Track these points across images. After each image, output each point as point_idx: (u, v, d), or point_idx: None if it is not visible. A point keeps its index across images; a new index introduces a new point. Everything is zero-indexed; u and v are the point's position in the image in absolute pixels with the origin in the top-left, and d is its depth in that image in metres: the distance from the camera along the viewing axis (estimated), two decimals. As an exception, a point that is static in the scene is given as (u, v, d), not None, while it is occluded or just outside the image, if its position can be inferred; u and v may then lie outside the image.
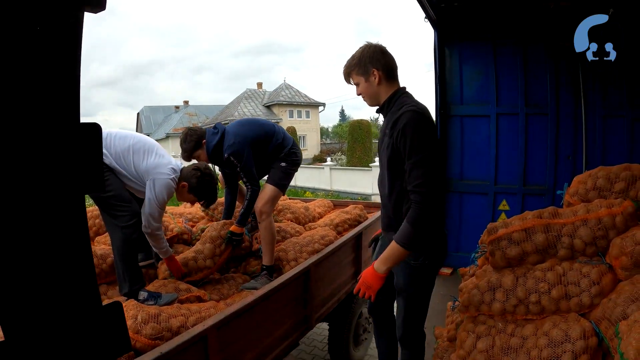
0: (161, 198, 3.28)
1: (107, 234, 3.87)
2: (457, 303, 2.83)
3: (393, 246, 2.38)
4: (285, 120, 40.20)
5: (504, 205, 5.05)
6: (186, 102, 53.24)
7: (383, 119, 2.64)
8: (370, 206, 5.86)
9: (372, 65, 2.52)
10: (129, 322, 2.47)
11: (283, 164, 3.90)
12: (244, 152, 3.70)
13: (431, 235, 2.47)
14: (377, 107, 2.64)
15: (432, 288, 2.66)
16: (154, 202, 3.25)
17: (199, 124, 45.51)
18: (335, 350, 4.35)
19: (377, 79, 2.53)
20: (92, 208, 4.10)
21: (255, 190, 3.83)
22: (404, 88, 2.60)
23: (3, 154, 0.74)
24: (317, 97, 43.35)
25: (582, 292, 2.40)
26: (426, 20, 4.64)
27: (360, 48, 2.59)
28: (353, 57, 2.59)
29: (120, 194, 3.20)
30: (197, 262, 3.65)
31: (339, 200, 6.50)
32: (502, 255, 2.63)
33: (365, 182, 20.36)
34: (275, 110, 41.51)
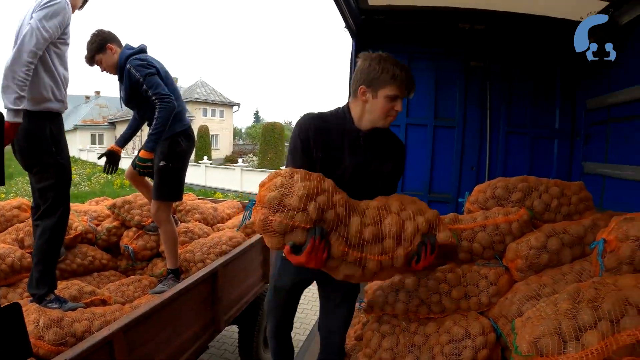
0: None
1: (6, 231, 3.67)
2: (362, 304, 2.91)
3: None
4: (199, 118, 39.53)
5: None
6: (97, 93, 50.99)
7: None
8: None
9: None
10: (30, 327, 2.36)
11: (162, 163, 3.58)
12: (152, 67, 3.45)
13: None
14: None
15: None
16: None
17: (110, 117, 43.86)
18: (245, 353, 4.35)
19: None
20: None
21: (166, 103, 3.39)
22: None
23: None
24: (232, 97, 42.82)
25: (481, 292, 2.55)
26: (345, 29, 4.73)
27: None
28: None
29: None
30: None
31: (247, 202, 6.48)
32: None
33: (276, 183, 20.39)
34: (189, 107, 40.60)
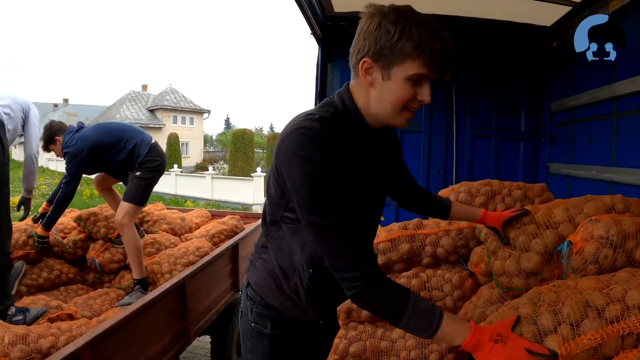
0: None
1: None
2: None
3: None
4: (169, 125, 39.19)
5: (378, 217, 5.28)
6: (66, 100, 50.37)
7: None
8: (248, 217, 5.87)
9: None
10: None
11: (138, 173, 3.81)
12: (76, 157, 3.69)
13: None
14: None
15: None
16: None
17: (79, 125, 43.10)
18: (218, 363, 4.33)
19: None
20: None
21: (66, 193, 3.73)
22: None
23: None
24: (202, 104, 42.57)
25: (446, 296, 2.60)
26: (311, 36, 4.75)
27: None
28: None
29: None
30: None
31: (216, 210, 6.46)
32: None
33: (246, 191, 20.38)
34: (159, 114, 40.26)
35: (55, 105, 50.67)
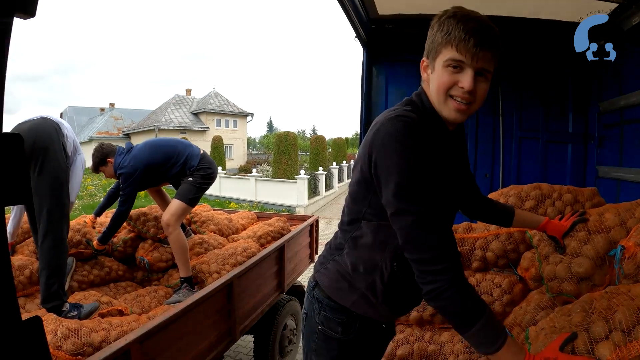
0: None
1: (24, 242, 3.75)
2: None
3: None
4: (213, 129, 39.74)
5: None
6: (112, 105, 51.57)
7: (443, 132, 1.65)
8: (294, 218, 5.89)
9: None
10: (48, 338, 2.40)
11: (190, 179, 3.92)
12: (132, 177, 3.83)
13: None
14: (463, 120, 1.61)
15: None
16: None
17: (124, 128, 44.24)
18: (261, 362, 4.35)
19: None
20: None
21: (122, 211, 3.90)
22: None
23: None
24: (245, 107, 43.17)
25: (495, 301, 2.55)
26: (356, 39, 4.75)
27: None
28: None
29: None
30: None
31: (262, 212, 6.51)
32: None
33: (290, 193, 20.42)
34: (203, 118, 40.91)
35: (102, 110, 52.01)
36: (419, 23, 4.59)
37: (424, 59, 1.60)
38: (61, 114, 53.24)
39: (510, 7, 3.88)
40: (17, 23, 0.85)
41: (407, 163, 1.40)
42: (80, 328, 2.53)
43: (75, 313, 2.99)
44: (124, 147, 4.02)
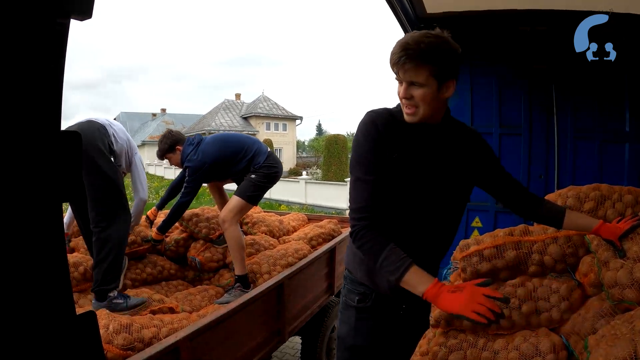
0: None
1: (80, 238, 3.86)
2: (429, 318, 2.86)
3: None
4: (262, 132, 40.20)
5: (476, 222, 5.10)
6: (164, 110, 53.00)
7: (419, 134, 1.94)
8: (344, 221, 5.86)
9: (454, 76, 1.92)
10: (100, 332, 2.45)
11: (253, 176, 3.90)
12: (199, 171, 3.88)
13: None
14: (417, 121, 1.84)
15: None
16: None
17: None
18: (307, 364, 4.34)
19: (448, 93, 1.89)
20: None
21: (183, 202, 3.97)
22: None
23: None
24: (294, 111, 43.62)
25: (552, 308, 2.44)
26: (405, 39, 4.70)
27: (447, 42, 1.86)
28: (438, 46, 1.79)
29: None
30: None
31: (313, 214, 6.52)
32: (474, 271, 2.65)
33: (339, 196, 20.40)
34: (253, 122, 41.45)
35: (154, 115, 53.44)
36: (468, 20, 4.51)
37: None
38: (114, 119, 54.75)
39: (565, 0, 3.75)
40: (73, 29, 0.86)
41: (357, 142, 1.89)
42: (131, 324, 2.58)
43: (121, 301, 3.05)
44: (194, 138, 4.06)
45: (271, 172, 3.99)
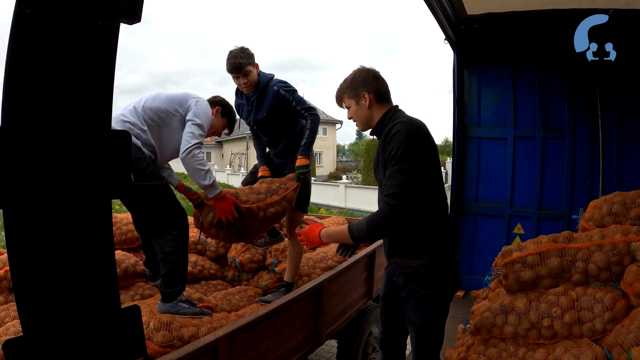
0: (204, 115, 3.19)
1: (126, 239, 3.93)
2: (468, 325, 2.82)
3: (343, 229, 2.43)
4: (303, 136, 40.31)
5: (518, 229, 5.02)
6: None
7: (378, 140, 2.56)
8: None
9: (364, 89, 2.48)
10: (142, 326, 2.50)
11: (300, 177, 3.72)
12: (295, 90, 3.69)
13: (443, 263, 2.36)
14: (370, 130, 2.59)
15: (445, 317, 2.47)
16: (198, 119, 3.13)
17: (216, 137, 46.00)
18: (343, 368, 4.32)
19: (367, 102, 2.48)
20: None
21: (315, 117, 3.70)
22: (397, 106, 2.55)
23: (38, 157, 0.77)
24: (335, 115, 43.53)
25: (595, 318, 2.38)
26: (446, 42, 4.65)
27: (352, 72, 2.57)
28: (345, 80, 2.56)
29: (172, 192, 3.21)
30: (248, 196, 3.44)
31: (353, 218, 6.50)
32: (516, 279, 2.62)
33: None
34: (293, 126, 41.62)
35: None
36: (509, 21, 4.46)
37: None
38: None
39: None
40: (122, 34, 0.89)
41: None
42: (172, 322, 2.63)
43: (186, 305, 3.03)
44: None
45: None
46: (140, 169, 2.95)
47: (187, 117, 3.13)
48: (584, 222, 2.90)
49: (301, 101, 3.68)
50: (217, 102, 3.50)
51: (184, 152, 3.03)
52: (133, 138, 3.00)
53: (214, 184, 3.16)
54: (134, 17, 0.91)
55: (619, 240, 2.48)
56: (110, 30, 0.86)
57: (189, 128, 3.09)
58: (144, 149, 3.00)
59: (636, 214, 2.62)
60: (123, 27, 0.90)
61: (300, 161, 3.69)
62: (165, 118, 3.12)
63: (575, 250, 2.55)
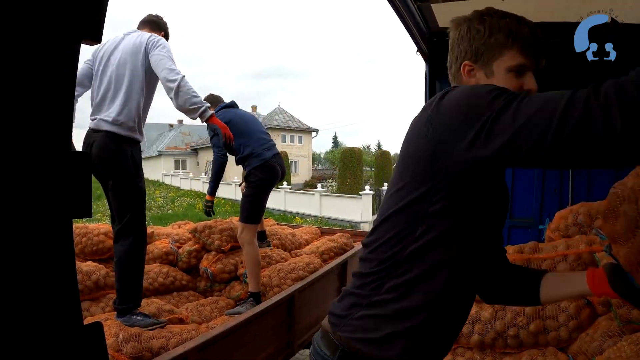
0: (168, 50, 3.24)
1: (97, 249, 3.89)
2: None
3: None
4: (278, 144, 39.82)
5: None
6: (180, 121, 53.29)
7: None
8: (356, 235, 5.86)
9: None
10: (110, 340, 2.49)
11: (250, 182, 3.94)
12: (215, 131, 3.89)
13: None
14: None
15: None
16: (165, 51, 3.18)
17: (192, 144, 45.71)
18: (317, 378, 4.32)
19: None
20: (81, 225, 4.12)
21: (218, 156, 4.07)
22: None
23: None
24: (311, 123, 43.73)
25: (560, 327, 2.42)
26: (418, 53, 4.71)
27: None
28: None
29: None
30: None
31: (326, 227, 6.53)
32: (483, 289, 2.66)
33: (354, 209, 20.39)
34: (269, 133, 41.59)
35: (171, 126, 54.00)
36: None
37: (466, 62, 1.44)
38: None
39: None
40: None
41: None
42: (141, 333, 2.62)
43: (140, 318, 3.01)
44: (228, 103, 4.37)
45: (256, 179, 3.96)
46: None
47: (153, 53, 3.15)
48: (549, 232, 2.95)
49: (213, 144, 4.09)
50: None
51: (175, 82, 3.09)
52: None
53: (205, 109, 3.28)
54: (95, 39, 0.92)
55: (584, 251, 2.54)
56: (71, 52, 0.87)
57: (163, 62, 3.12)
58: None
59: (600, 225, 2.68)
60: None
61: (207, 197, 4.42)
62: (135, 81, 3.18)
63: (540, 261, 2.60)
